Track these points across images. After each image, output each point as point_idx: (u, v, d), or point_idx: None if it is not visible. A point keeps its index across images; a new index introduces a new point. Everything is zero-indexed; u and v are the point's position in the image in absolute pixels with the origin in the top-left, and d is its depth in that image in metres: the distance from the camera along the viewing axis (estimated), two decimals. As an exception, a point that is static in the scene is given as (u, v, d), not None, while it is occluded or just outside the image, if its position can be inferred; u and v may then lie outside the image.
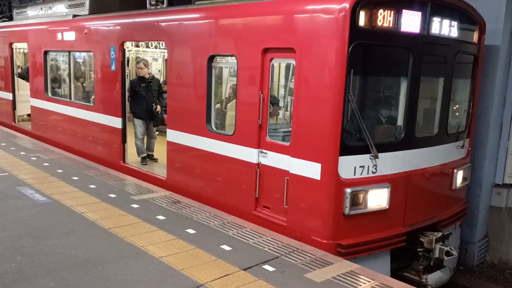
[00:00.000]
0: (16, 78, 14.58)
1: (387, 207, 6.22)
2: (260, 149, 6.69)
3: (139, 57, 12.23)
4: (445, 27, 6.66)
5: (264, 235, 6.26)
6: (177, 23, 8.19)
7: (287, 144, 6.36)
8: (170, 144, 8.32)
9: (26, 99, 13.81)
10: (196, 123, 7.68)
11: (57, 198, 7.48)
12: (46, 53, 12.27)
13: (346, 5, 5.53)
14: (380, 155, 6.09)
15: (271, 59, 6.47)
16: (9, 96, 14.63)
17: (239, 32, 6.93)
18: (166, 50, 8.90)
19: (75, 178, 8.75)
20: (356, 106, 5.80)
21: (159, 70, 15.03)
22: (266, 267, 5.29)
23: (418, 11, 6.19)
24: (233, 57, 7.01)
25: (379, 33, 5.92)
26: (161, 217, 6.78)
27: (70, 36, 11.10)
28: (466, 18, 7.19)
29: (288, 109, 6.73)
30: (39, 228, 6.19)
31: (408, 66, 6.33)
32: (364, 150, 6.02)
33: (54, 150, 11.26)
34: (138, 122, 9.90)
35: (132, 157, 9.85)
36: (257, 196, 6.78)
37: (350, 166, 5.95)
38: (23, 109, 14.54)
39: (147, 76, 9.89)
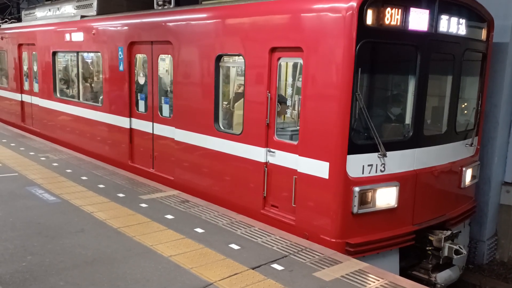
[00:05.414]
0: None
1: (396, 205, 6.21)
2: (268, 148, 6.70)
3: None
4: (453, 25, 6.63)
5: (273, 234, 6.27)
6: (184, 23, 8.20)
7: (295, 143, 6.36)
8: (177, 143, 8.34)
9: None
10: (203, 123, 7.70)
11: (66, 197, 7.53)
12: (54, 53, 12.35)
13: (354, 4, 5.52)
14: (388, 153, 6.08)
15: (279, 58, 6.47)
16: (18, 97, 14.74)
17: (247, 31, 6.93)
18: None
19: (84, 178, 8.81)
20: (364, 105, 5.79)
21: (166, 70, 15.05)
22: (275, 266, 5.29)
23: (426, 9, 6.16)
24: (241, 57, 7.01)
25: (387, 32, 5.90)
26: (169, 216, 6.81)
27: (78, 36, 11.16)
28: (474, 15, 7.14)
29: (296, 108, 6.72)
30: (49, 228, 6.24)
31: (416, 64, 6.31)
32: (372, 148, 6.01)
33: (63, 150, 11.33)
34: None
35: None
36: (265, 195, 6.79)
37: (358, 164, 5.94)
38: None
39: None
